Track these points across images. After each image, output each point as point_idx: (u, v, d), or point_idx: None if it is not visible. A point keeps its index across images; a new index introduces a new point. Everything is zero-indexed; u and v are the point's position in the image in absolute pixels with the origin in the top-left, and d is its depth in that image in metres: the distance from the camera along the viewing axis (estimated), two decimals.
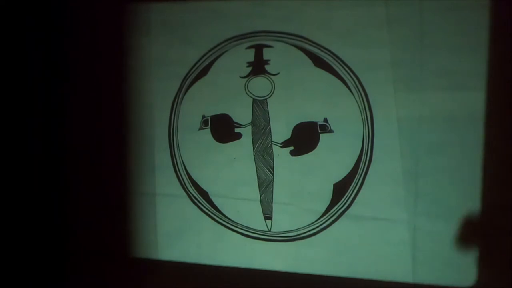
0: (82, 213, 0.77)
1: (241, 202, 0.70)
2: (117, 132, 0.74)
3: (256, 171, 0.69)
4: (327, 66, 0.66)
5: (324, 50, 0.66)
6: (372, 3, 0.63)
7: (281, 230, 0.69)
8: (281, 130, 0.68)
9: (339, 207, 0.66)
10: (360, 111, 0.65)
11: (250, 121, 0.69)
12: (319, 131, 0.66)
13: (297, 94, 0.67)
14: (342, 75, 0.65)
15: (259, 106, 0.69)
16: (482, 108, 0.61)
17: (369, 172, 0.65)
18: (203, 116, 0.71)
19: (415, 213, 0.64)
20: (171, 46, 0.71)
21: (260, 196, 0.69)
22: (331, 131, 0.66)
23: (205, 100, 0.71)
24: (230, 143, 0.70)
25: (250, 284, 0.70)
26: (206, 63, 0.70)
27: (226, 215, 0.71)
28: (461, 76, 0.61)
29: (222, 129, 0.70)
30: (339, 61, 0.65)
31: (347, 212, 0.66)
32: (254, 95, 0.69)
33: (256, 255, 0.70)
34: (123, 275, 0.76)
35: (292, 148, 0.68)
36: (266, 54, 0.68)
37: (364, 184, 0.65)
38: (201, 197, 0.72)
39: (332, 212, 0.67)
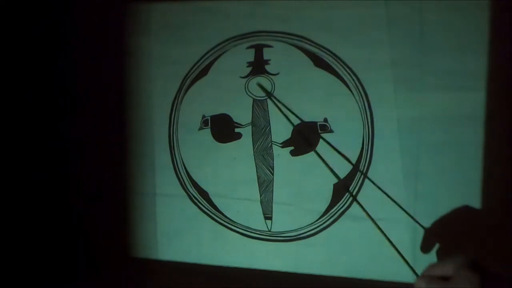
0: (82, 213, 0.77)
1: (241, 202, 0.70)
2: (117, 132, 0.74)
3: (256, 171, 0.69)
4: (327, 66, 0.66)
5: (324, 50, 0.66)
6: (372, 3, 0.63)
7: (281, 230, 0.69)
8: (281, 130, 0.68)
9: (339, 207, 0.66)
10: (360, 111, 0.65)
11: (250, 121, 0.69)
12: (319, 131, 0.66)
13: (297, 94, 0.67)
14: (342, 75, 0.65)
15: (259, 106, 0.69)
16: (482, 108, 0.61)
17: (369, 172, 0.65)
18: (203, 116, 0.71)
19: (415, 213, 0.63)
20: (171, 46, 0.71)
21: (260, 196, 0.69)
22: (331, 131, 0.66)
23: (205, 100, 0.71)
24: (230, 143, 0.70)
25: (250, 284, 0.70)
26: (206, 63, 0.70)
27: (226, 215, 0.71)
28: (461, 76, 0.61)
29: (222, 129, 0.70)
30: (339, 61, 0.65)
31: (347, 212, 0.66)
32: (254, 95, 0.69)
33: (256, 255, 0.70)
34: (123, 275, 0.76)
35: (292, 148, 0.68)
36: (266, 54, 0.68)
37: (364, 184, 0.65)
38: (201, 197, 0.72)
39: (332, 212, 0.67)
